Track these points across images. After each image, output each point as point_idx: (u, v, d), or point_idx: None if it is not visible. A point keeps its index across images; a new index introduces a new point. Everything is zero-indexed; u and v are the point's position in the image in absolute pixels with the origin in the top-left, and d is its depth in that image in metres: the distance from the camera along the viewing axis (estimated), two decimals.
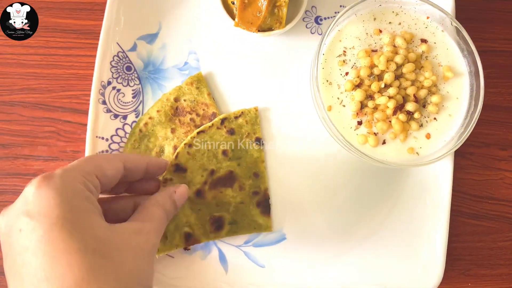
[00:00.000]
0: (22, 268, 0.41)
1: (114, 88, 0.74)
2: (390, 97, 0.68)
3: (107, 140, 0.73)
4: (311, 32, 0.80)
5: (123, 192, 0.61)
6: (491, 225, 0.80)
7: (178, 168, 0.72)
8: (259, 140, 0.74)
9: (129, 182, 0.61)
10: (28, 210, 0.42)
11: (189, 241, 0.71)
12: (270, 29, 0.74)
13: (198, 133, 0.73)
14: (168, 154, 0.74)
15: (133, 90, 0.76)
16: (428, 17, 0.73)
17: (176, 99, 0.75)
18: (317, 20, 0.80)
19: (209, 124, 0.73)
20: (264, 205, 0.73)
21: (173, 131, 0.75)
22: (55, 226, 0.41)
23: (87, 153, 0.70)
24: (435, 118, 0.71)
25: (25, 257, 0.41)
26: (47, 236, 0.40)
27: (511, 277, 0.79)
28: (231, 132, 0.74)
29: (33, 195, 0.43)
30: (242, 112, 0.74)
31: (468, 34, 0.71)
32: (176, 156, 0.72)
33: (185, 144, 0.72)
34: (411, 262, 0.73)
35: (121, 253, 0.44)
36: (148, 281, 0.47)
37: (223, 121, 0.74)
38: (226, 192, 0.73)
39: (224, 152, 0.73)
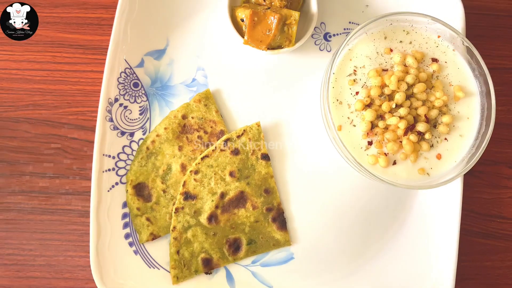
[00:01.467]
0: None
1: (121, 105, 0.74)
2: (401, 117, 0.67)
3: (113, 158, 0.72)
4: (320, 49, 0.79)
5: None
6: (500, 244, 0.80)
7: (188, 196, 0.71)
8: (265, 157, 0.74)
9: None
10: None
11: (208, 266, 0.71)
12: (279, 47, 0.73)
13: (202, 158, 0.72)
14: (176, 172, 0.73)
15: (140, 106, 0.75)
16: (439, 36, 0.72)
17: (184, 116, 0.75)
18: (326, 36, 0.79)
19: (212, 147, 0.72)
20: (280, 220, 0.72)
21: (180, 148, 0.74)
22: None
23: (94, 171, 0.69)
24: (446, 139, 0.70)
25: None
26: None
27: None
28: (236, 152, 0.73)
29: None
30: (244, 130, 0.74)
31: (479, 52, 0.70)
32: (184, 184, 0.72)
33: (190, 171, 0.72)
34: (420, 283, 0.73)
35: None
36: None
37: (226, 142, 0.73)
38: (239, 213, 0.72)
39: (231, 173, 0.73)
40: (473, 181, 0.81)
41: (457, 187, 0.73)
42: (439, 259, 0.73)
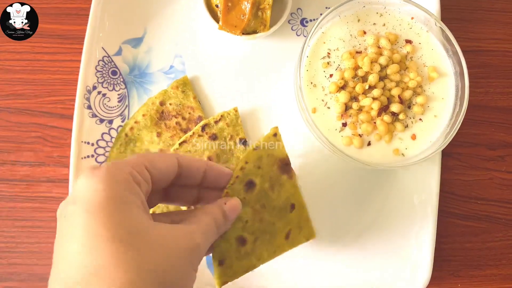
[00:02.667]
0: (62, 250, 0.42)
1: (99, 92, 0.74)
2: (374, 99, 0.68)
3: (92, 144, 0.73)
4: (297, 35, 0.79)
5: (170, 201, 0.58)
6: (480, 225, 0.80)
7: None
8: (243, 142, 0.74)
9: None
10: (74, 197, 0.43)
11: None
12: (254, 32, 0.74)
13: (180, 144, 0.73)
14: None
15: (118, 94, 0.76)
16: (412, 18, 0.72)
17: (162, 103, 0.75)
18: (303, 22, 0.80)
19: (190, 133, 0.73)
20: None
21: (159, 135, 0.75)
22: (91, 213, 0.41)
23: (72, 158, 0.70)
24: (420, 119, 0.70)
25: (65, 241, 0.42)
26: (84, 221, 0.41)
27: (501, 278, 0.79)
28: (214, 137, 0.73)
29: (80, 184, 0.44)
30: (221, 116, 0.74)
31: (453, 34, 0.70)
32: None
33: None
34: (400, 263, 0.73)
35: (151, 247, 0.43)
36: (181, 281, 0.45)
37: (203, 127, 0.73)
38: None
39: (210, 159, 0.73)
40: (453, 163, 0.81)
41: (435, 168, 0.74)
42: (418, 240, 0.73)
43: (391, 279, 0.72)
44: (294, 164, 0.74)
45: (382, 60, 0.69)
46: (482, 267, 0.79)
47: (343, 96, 0.68)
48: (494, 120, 0.83)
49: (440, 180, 0.74)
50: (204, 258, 0.71)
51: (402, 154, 0.69)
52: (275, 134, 0.60)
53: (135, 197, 0.45)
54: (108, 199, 0.43)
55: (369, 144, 0.69)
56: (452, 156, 0.81)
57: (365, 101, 0.68)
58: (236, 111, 0.75)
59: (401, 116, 0.69)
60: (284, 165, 0.62)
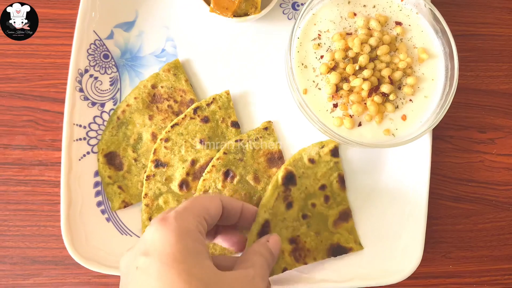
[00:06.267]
0: None
1: (91, 76, 0.75)
2: (364, 79, 0.68)
3: (84, 127, 0.73)
4: (288, 18, 0.80)
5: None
6: (471, 207, 0.81)
7: (158, 164, 0.72)
8: (235, 124, 0.75)
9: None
10: (146, 249, 0.46)
11: None
12: (245, 14, 0.74)
13: (172, 126, 0.73)
14: (146, 141, 0.74)
15: (110, 78, 0.76)
16: (402, 0, 0.73)
17: (153, 86, 0.76)
18: (294, 6, 0.80)
19: (182, 116, 0.73)
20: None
21: (150, 118, 0.75)
22: (167, 265, 0.44)
23: (64, 140, 0.70)
24: (410, 100, 0.71)
25: None
26: (159, 273, 0.44)
27: (492, 259, 0.80)
28: (205, 120, 0.74)
29: (151, 236, 0.47)
30: (213, 99, 0.75)
31: (443, 16, 0.71)
32: (154, 152, 0.73)
33: (161, 139, 0.73)
34: (391, 244, 0.74)
35: None
36: None
37: (195, 110, 0.74)
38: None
39: (202, 141, 0.73)
40: (444, 146, 0.82)
41: (426, 150, 0.74)
42: (410, 221, 0.74)
43: (382, 259, 0.73)
44: (285, 145, 0.75)
45: (372, 41, 0.69)
46: (473, 248, 0.80)
47: (333, 77, 0.69)
48: (485, 104, 0.83)
49: (432, 162, 0.75)
50: None
51: (393, 134, 0.70)
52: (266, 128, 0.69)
53: (203, 247, 0.49)
54: (182, 251, 0.45)
55: (359, 124, 0.70)
56: (443, 139, 0.82)
57: (355, 82, 0.68)
58: (228, 94, 0.76)
59: (391, 97, 0.69)
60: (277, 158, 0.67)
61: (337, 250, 0.72)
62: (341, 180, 0.74)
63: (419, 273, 0.77)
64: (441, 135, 0.81)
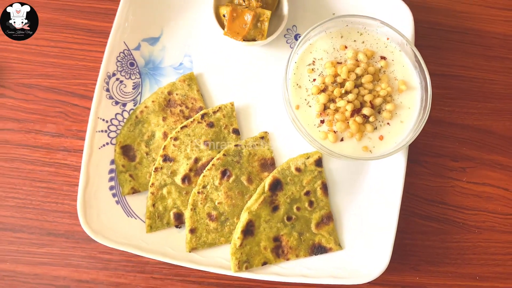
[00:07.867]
0: None
1: (117, 79, 0.87)
2: (349, 102, 0.80)
3: (106, 121, 0.85)
4: (290, 47, 0.93)
5: None
6: (441, 226, 0.90)
7: (166, 158, 0.84)
8: (236, 131, 0.86)
9: None
10: None
11: (178, 220, 0.82)
12: (254, 39, 0.87)
13: (181, 127, 0.85)
14: (158, 139, 0.86)
15: (133, 82, 0.89)
16: (388, 38, 0.85)
17: (169, 93, 0.88)
18: (296, 37, 0.93)
19: (191, 119, 0.85)
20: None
21: (164, 119, 0.87)
22: None
23: (89, 130, 0.82)
24: (388, 123, 0.82)
25: None
26: None
27: (456, 275, 0.88)
28: (211, 125, 0.85)
29: None
30: (219, 108, 0.86)
31: (426, 58, 0.83)
32: (164, 148, 0.84)
33: (170, 138, 0.84)
34: (364, 251, 0.83)
35: None
36: None
37: (203, 116, 0.86)
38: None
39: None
40: (419, 169, 0.91)
41: (400, 170, 0.83)
42: (382, 232, 0.83)
43: (355, 262, 0.82)
44: (277, 155, 0.86)
45: (358, 70, 0.81)
46: (440, 264, 0.88)
47: (322, 98, 0.80)
48: (459, 136, 0.94)
49: (407, 183, 0.85)
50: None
51: (370, 151, 0.80)
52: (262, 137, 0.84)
53: None
54: None
55: (342, 139, 0.80)
56: (419, 163, 0.92)
57: (341, 103, 0.80)
58: (232, 105, 0.88)
59: (371, 119, 0.80)
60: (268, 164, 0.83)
61: (318, 249, 0.81)
62: (324, 187, 0.84)
63: (389, 281, 0.86)
64: (417, 159, 0.91)
